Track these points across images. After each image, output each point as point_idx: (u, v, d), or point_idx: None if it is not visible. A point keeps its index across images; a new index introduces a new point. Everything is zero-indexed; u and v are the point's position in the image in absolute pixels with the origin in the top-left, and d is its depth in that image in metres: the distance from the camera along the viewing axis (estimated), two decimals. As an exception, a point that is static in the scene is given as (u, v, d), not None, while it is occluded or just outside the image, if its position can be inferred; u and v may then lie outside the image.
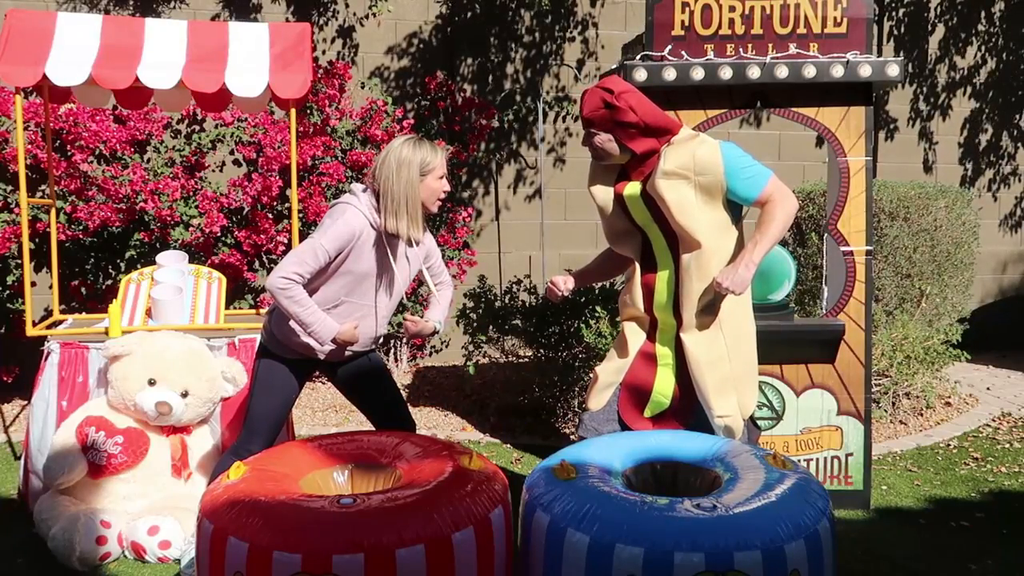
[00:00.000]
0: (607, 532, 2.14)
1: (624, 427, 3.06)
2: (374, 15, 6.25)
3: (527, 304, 5.40)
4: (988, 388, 6.15)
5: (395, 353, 6.54)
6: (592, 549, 2.14)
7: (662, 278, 3.03)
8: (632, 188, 3.04)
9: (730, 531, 2.11)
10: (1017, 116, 7.68)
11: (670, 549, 2.07)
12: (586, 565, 2.14)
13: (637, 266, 3.10)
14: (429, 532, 2.27)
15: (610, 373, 3.11)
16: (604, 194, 3.12)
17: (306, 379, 3.24)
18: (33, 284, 5.76)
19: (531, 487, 2.45)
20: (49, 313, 5.10)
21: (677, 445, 2.73)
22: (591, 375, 3.21)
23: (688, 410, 3.01)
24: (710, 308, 2.97)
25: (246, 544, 2.23)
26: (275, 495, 2.38)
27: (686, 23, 3.75)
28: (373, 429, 3.27)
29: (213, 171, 6.03)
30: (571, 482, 2.38)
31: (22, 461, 3.90)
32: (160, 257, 4.68)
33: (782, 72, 3.69)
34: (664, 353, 3.06)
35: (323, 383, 6.05)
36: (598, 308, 4.73)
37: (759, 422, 3.93)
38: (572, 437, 4.89)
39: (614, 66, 4.06)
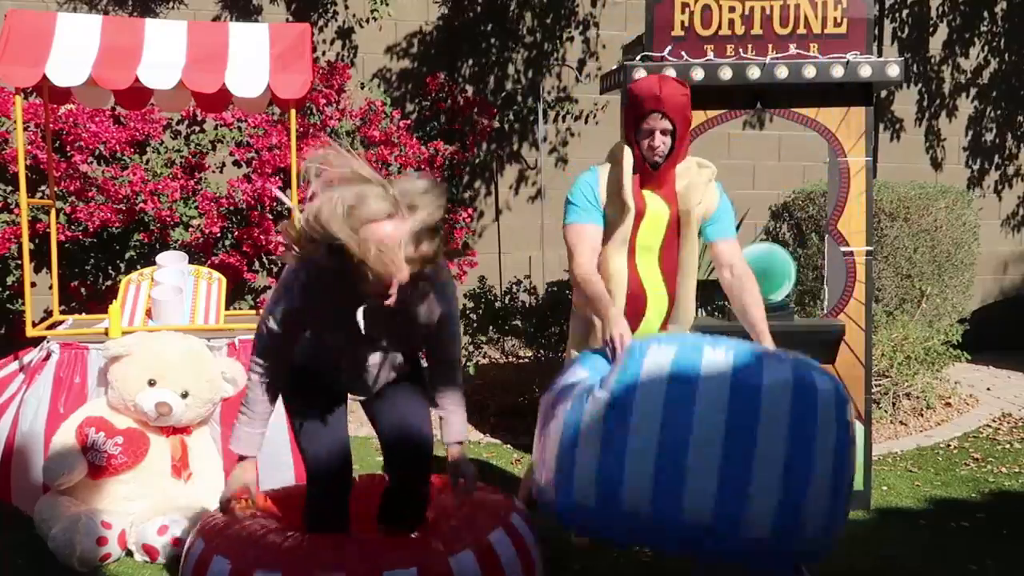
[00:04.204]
0: None
1: None
2: (375, 19, 6.25)
3: (527, 304, 5.40)
4: (988, 388, 6.15)
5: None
6: None
7: (655, 309, 3.08)
8: (656, 204, 3.01)
9: None
10: (1021, 116, 7.67)
11: None
12: None
13: (621, 294, 3.03)
14: (420, 556, 2.29)
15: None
16: (630, 202, 3.01)
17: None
18: (33, 285, 5.76)
19: None
20: (49, 314, 5.09)
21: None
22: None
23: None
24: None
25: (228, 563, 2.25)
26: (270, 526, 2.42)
27: (686, 23, 3.75)
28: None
29: (213, 172, 6.03)
30: None
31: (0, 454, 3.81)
32: (160, 258, 4.68)
33: (782, 72, 3.69)
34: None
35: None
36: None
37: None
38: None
39: (615, 66, 4.07)
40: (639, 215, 2.98)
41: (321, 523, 2.67)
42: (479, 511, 2.58)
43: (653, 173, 2.98)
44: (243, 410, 2.64)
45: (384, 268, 2.16)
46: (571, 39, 6.97)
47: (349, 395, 2.79)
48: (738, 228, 5.93)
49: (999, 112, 7.63)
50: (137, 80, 3.87)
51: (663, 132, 2.89)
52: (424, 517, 2.77)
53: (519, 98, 6.93)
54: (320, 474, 2.72)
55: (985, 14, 7.54)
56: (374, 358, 2.63)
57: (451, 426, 2.75)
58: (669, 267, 3.06)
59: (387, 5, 6.01)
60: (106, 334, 3.94)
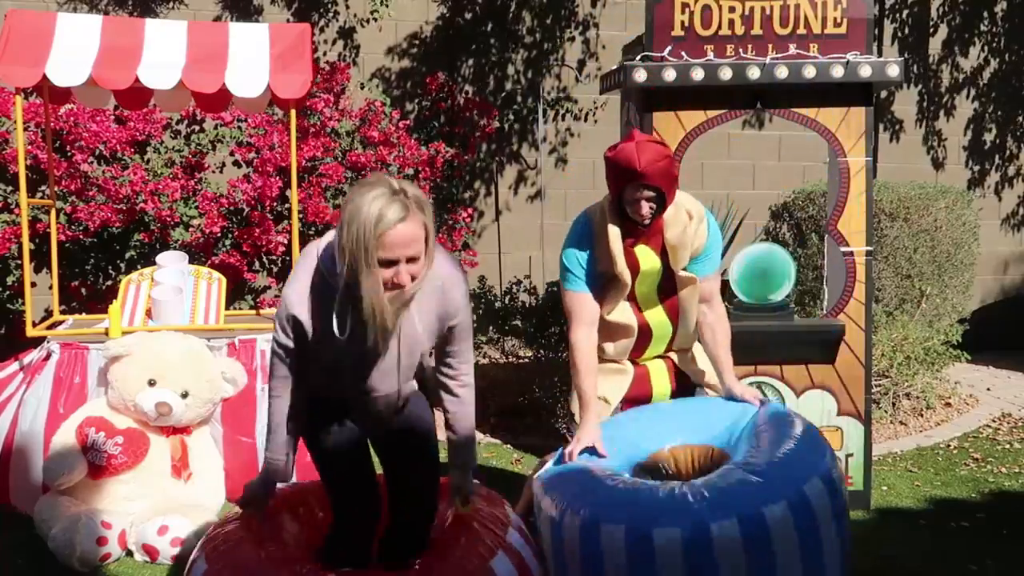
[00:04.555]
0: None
1: None
2: (375, 19, 6.25)
3: (527, 305, 5.40)
4: (988, 389, 6.15)
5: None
6: None
7: (660, 335, 3.10)
8: (650, 260, 2.99)
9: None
10: (1021, 116, 7.67)
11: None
12: None
13: (628, 327, 3.05)
14: None
15: (609, 394, 3.11)
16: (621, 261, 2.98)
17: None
18: (33, 284, 5.75)
19: None
20: (49, 314, 5.10)
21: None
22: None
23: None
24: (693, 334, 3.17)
25: None
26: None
27: (686, 24, 3.74)
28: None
29: (213, 172, 6.03)
30: None
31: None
32: (160, 258, 4.68)
33: (782, 73, 3.69)
34: (655, 363, 3.19)
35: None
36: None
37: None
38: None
39: (615, 67, 4.07)
40: (635, 274, 2.99)
41: (339, 558, 2.57)
42: (478, 533, 2.55)
43: (643, 229, 2.94)
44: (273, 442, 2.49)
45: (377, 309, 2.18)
46: (571, 39, 6.97)
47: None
48: (738, 228, 6.03)
49: (999, 112, 7.63)
50: (137, 80, 3.88)
51: (648, 199, 2.85)
52: (425, 546, 2.67)
53: (519, 98, 6.93)
54: (345, 508, 2.64)
55: (985, 14, 7.53)
56: (381, 373, 2.46)
57: (457, 450, 2.62)
58: (671, 304, 3.08)
59: (387, 6, 6.01)
60: (106, 334, 3.94)
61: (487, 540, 2.48)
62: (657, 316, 3.07)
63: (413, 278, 2.21)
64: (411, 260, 2.18)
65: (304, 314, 2.31)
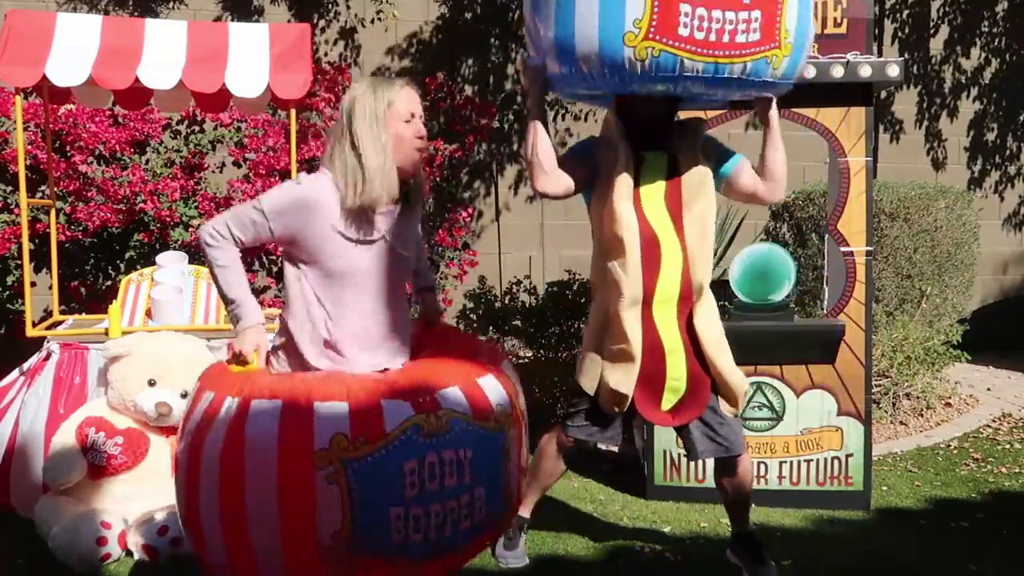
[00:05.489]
0: None
1: (644, 421, 3.04)
2: (380, 19, 6.25)
3: (527, 305, 5.40)
4: (988, 389, 6.15)
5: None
6: None
7: (670, 252, 2.96)
8: (655, 156, 3.01)
9: None
10: (1022, 116, 7.67)
11: None
12: None
13: (634, 243, 2.95)
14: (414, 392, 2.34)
15: (619, 374, 3.00)
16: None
17: None
18: (33, 285, 5.76)
19: None
20: (49, 314, 5.10)
21: None
22: (599, 378, 3.04)
23: (702, 395, 3.01)
24: (706, 285, 3.02)
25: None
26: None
27: (686, 23, 3.74)
28: None
29: (212, 172, 6.03)
30: None
31: (1, 455, 3.79)
32: (160, 258, 4.68)
33: (782, 72, 3.68)
34: (668, 338, 2.99)
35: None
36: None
37: (759, 422, 3.93)
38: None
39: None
40: (638, 165, 2.97)
41: None
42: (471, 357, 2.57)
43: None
44: (222, 276, 2.44)
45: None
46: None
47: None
48: (738, 228, 6.03)
49: (1000, 112, 7.63)
50: (137, 80, 3.88)
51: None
52: None
53: (519, 98, 6.93)
54: None
55: (985, 14, 7.54)
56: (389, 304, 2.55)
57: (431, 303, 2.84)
58: (675, 210, 2.98)
59: (391, 3, 6.02)
60: (106, 334, 3.94)
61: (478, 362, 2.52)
62: (663, 223, 2.97)
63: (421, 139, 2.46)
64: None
65: (315, 207, 2.38)
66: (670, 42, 2.62)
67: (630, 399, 3.00)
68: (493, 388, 2.43)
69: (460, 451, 2.27)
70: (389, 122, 2.40)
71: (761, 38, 2.64)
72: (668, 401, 3.02)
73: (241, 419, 2.20)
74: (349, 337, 2.48)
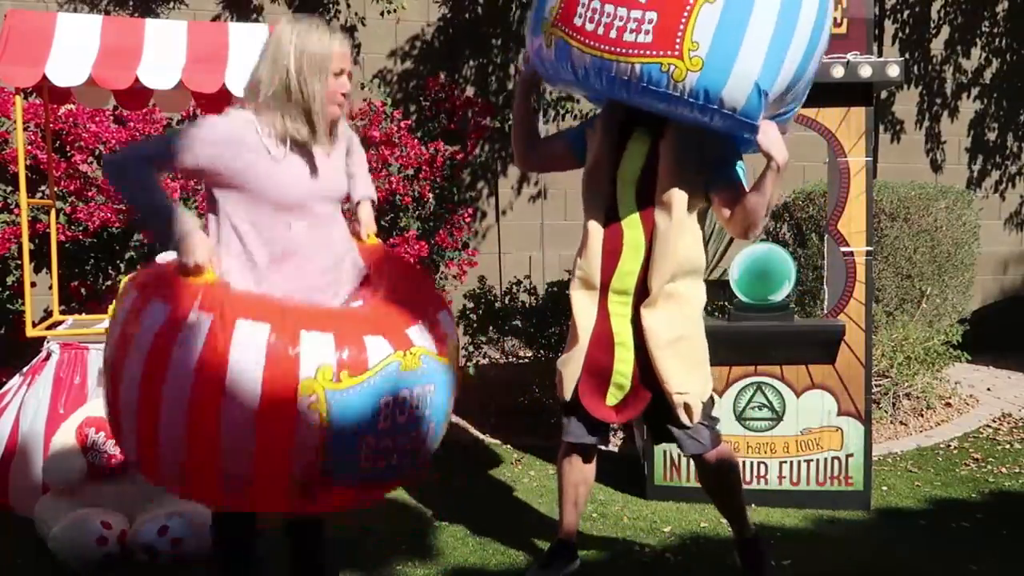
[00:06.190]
0: None
1: (587, 416, 2.98)
2: (391, 11, 6.23)
3: (527, 305, 5.40)
4: (988, 389, 6.15)
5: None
6: None
7: (632, 245, 2.90)
8: (637, 146, 2.95)
9: None
10: (1022, 116, 7.67)
11: None
12: None
13: (599, 229, 2.92)
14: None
15: (571, 365, 2.98)
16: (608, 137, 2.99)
17: None
18: (33, 285, 5.75)
19: None
20: (49, 314, 5.10)
21: None
22: (557, 372, 3.05)
23: (646, 393, 2.93)
24: (671, 285, 2.89)
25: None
26: None
27: (686, 23, 3.73)
28: None
29: (213, 172, 6.03)
30: None
31: (1, 455, 3.78)
32: (160, 258, 4.67)
33: (782, 72, 3.68)
34: (619, 331, 2.93)
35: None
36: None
37: (759, 423, 3.93)
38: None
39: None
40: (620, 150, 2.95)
41: None
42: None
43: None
44: (130, 189, 2.38)
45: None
46: (571, 39, 6.96)
47: None
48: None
49: (1000, 112, 7.63)
50: (137, 80, 3.87)
51: None
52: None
53: (519, 98, 6.93)
54: None
55: (986, 14, 7.53)
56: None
57: (361, 180, 2.81)
58: (647, 199, 2.90)
59: None
60: (106, 334, 3.94)
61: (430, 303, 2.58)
62: (630, 215, 2.91)
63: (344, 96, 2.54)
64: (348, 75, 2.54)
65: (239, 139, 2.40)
66: (566, 30, 2.67)
67: (575, 387, 2.97)
68: (447, 323, 2.53)
69: (427, 386, 2.35)
70: (329, 75, 2.50)
71: (653, 41, 2.53)
72: (613, 396, 2.96)
73: (225, 340, 2.12)
74: (283, 266, 2.44)
